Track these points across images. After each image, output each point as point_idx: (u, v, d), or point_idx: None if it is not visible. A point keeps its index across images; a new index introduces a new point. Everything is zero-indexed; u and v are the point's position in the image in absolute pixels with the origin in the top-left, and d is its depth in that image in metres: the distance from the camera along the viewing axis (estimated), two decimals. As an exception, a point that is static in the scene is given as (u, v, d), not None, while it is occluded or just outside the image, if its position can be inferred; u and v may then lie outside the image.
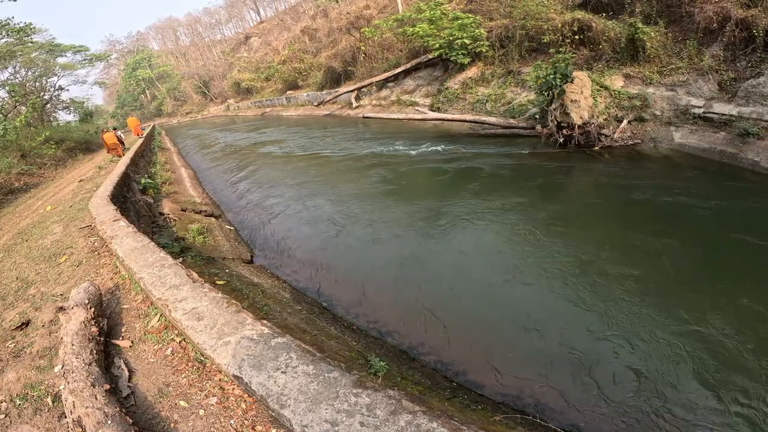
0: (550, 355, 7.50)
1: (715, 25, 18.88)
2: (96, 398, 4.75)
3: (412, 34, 36.91)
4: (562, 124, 19.23)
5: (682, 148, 17.38)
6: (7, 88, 49.88)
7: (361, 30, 50.30)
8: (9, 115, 46.04)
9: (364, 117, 35.82)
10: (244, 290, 9.78)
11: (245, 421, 4.73)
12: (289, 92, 71.14)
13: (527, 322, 8.46)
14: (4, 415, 5.43)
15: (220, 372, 5.40)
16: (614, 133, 19.05)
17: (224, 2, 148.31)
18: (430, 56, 36.88)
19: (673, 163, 16.51)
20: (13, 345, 7.03)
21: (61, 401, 5.30)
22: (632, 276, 9.39)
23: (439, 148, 23.79)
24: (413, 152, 23.91)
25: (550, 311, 8.68)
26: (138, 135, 41.95)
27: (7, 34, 41.54)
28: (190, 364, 5.75)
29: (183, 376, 5.57)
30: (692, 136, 17.36)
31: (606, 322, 8.05)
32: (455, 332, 8.54)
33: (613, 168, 16.71)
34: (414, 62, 39.68)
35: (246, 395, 4.98)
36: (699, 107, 17.67)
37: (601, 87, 20.31)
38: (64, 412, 5.14)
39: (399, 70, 41.07)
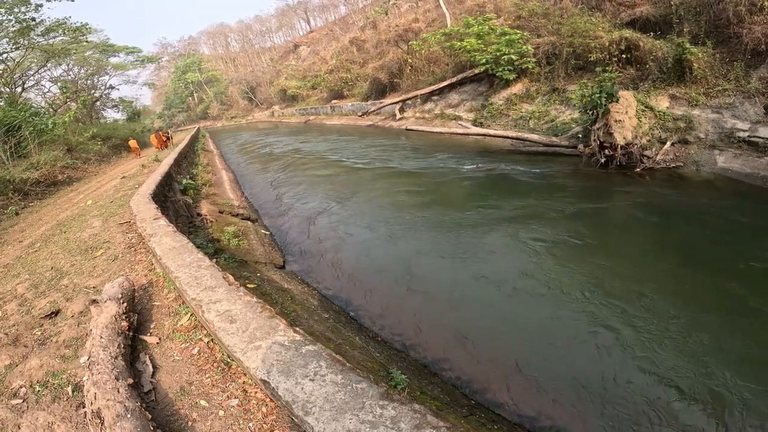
0: (573, 381, 7.52)
1: (763, 46, 18.64)
2: (118, 391, 4.83)
3: (459, 49, 37.19)
4: (604, 144, 19.15)
5: (724, 172, 17.14)
6: (59, 84, 51.69)
7: (409, 43, 50.89)
8: (59, 110, 47.80)
9: (407, 129, 35.93)
10: (274, 295, 10.02)
11: (264, 426, 4.77)
12: (333, 101, 72.06)
13: (552, 346, 8.49)
14: (21, 400, 5.55)
15: (245, 375, 5.43)
16: (657, 155, 18.84)
17: (275, 11, 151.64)
18: (476, 71, 36.96)
19: (715, 188, 16.28)
20: (40, 333, 7.22)
21: (82, 392, 5.42)
22: (669, 307, 9.15)
23: (480, 163, 23.95)
24: (454, 167, 24.15)
25: (576, 336, 8.63)
26: (158, 148, 40.72)
27: (64, 33, 43.48)
28: (215, 364, 5.82)
29: (207, 376, 5.64)
30: (736, 160, 17.11)
31: (636, 355, 7.92)
32: (478, 350, 8.62)
33: (654, 192, 16.54)
34: (460, 77, 39.75)
35: (268, 400, 5.04)
36: (744, 131, 17.44)
37: (646, 107, 20.08)
38: (82, 402, 5.27)
39: (444, 83, 41.19)
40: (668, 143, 19.16)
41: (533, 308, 9.87)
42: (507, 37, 33.13)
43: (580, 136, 21.69)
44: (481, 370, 8.11)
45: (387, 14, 69.49)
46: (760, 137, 16.77)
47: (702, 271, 10.64)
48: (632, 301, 9.40)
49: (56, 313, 7.83)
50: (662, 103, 20.84)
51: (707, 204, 14.83)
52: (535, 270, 11.50)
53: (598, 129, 19.23)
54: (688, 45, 20.50)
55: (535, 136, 25.05)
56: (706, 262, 11.03)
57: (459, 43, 36.97)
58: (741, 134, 17.47)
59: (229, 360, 5.78)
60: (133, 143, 38.59)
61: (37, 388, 5.73)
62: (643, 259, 11.55)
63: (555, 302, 9.91)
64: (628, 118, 18.71)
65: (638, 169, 18.67)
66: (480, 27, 35.58)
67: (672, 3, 23.89)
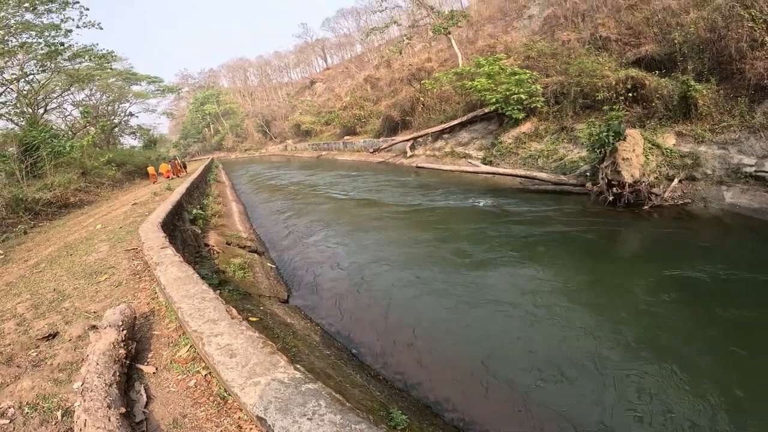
0: (582, 426, 7.30)
1: (766, 81, 18.78)
2: (109, 419, 4.74)
3: (471, 88, 37.74)
4: (612, 183, 19.20)
5: (732, 208, 17.09)
6: (80, 108, 52.88)
7: (422, 81, 51.63)
8: (78, 133, 48.86)
9: (417, 167, 36.24)
10: (276, 330, 9.98)
11: (257, 463, 4.54)
12: (346, 137, 73.00)
13: (559, 386, 8.31)
14: (8, 421, 5.45)
15: (240, 410, 5.30)
16: (665, 192, 18.84)
17: (294, 48, 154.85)
18: (486, 110, 37.39)
19: (723, 225, 16.25)
20: (35, 354, 7.11)
21: (72, 417, 5.29)
22: (676, 353, 8.95)
23: (488, 201, 24.00)
24: (462, 204, 24.30)
25: (585, 379, 8.42)
26: (166, 177, 41.07)
27: (90, 59, 45.21)
28: (211, 398, 5.68)
29: (201, 409, 5.49)
30: (743, 195, 17.09)
31: (651, 401, 7.71)
32: (481, 391, 8.48)
33: (662, 230, 16.55)
34: (470, 115, 40.19)
35: (262, 438, 4.94)
36: (751, 166, 17.45)
37: (653, 145, 20.19)
38: (71, 428, 5.16)
39: (455, 122, 41.68)
40: (676, 180, 19.17)
41: (540, 348, 9.68)
42: (516, 76, 33.67)
43: (588, 174, 21.75)
44: (484, 412, 7.97)
45: (401, 53, 70.09)
46: (766, 172, 16.74)
47: (701, 313, 10.53)
48: (649, 353, 9.09)
49: (54, 335, 7.71)
50: (669, 140, 20.92)
51: (712, 243, 14.70)
52: (539, 312, 11.31)
53: (605, 167, 19.30)
54: (692, 82, 20.74)
55: (543, 175, 25.18)
56: (702, 300, 10.96)
57: (470, 83, 37.57)
58: (748, 169, 17.46)
59: (225, 394, 5.65)
60: (151, 170, 41.18)
61: (26, 410, 5.63)
62: (652, 303, 11.29)
63: (559, 344, 9.74)
64: (636, 156, 18.76)
65: (646, 207, 18.65)
66: (490, 67, 36.18)
67: (676, 41, 24.24)
